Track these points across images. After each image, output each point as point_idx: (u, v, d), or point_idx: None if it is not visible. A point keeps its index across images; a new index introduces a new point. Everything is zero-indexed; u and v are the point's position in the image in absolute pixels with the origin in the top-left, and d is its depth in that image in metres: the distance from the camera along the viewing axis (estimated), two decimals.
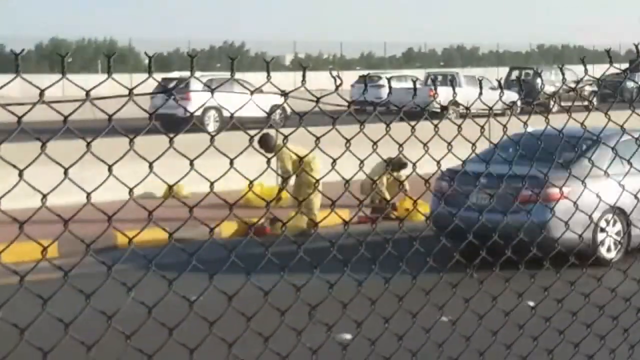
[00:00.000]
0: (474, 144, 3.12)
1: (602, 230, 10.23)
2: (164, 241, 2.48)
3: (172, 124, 16.03)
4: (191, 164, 2.47)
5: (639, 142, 3.66)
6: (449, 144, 2.98)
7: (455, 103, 25.69)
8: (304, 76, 2.65)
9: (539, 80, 26.04)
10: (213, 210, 2.86)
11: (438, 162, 3.04)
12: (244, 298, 2.55)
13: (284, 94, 2.65)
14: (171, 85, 27.29)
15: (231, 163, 2.57)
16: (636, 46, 3.49)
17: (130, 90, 2.29)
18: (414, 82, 3.55)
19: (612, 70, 3.88)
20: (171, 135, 2.47)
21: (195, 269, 2.48)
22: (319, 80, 14.68)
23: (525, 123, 3.44)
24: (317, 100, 2.77)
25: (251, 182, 2.77)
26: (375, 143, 2.88)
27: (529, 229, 3.30)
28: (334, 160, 2.81)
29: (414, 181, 3.02)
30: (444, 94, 29.21)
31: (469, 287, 3.17)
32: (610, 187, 4.10)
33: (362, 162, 2.84)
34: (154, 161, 2.47)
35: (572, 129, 3.48)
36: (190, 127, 2.74)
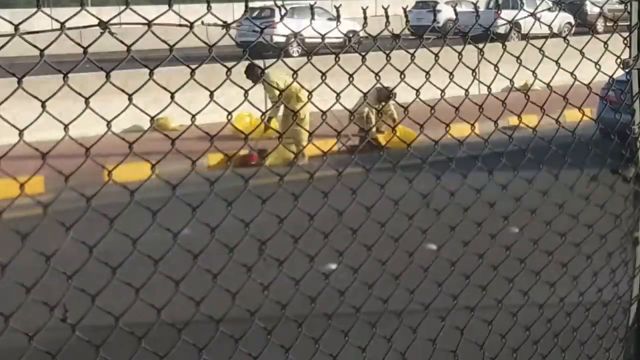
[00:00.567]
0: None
1: None
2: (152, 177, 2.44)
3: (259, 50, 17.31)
4: (172, 97, 2.41)
5: None
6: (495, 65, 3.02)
7: (517, 24, 25.82)
8: None
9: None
10: (200, 142, 2.81)
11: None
12: (226, 230, 2.53)
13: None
14: (255, 14, 29.96)
15: (211, 95, 2.52)
16: None
17: (149, 22, 2.24)
18: (475, 5, 3.54)
19: None
20: (151, 68, 2.39)
21: (179, 202, 2.45)
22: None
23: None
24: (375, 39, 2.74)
25: (229, 113, 2.69)
26: (377, 74, 2.86)
27: None
28: (338, 94, 2.80)
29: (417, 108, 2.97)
30: (508, 17, 29.25)
31: (453, 214, 3.16)
32: None
33: (365, 94, 2.79)
34: (133, 93, 2.38)
35: None
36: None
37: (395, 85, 2.95)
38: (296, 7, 28.84)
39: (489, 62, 3.11)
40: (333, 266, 2.90)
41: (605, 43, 3.46)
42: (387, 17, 2.84)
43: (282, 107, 12.13)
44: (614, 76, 3.41)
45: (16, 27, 2.09)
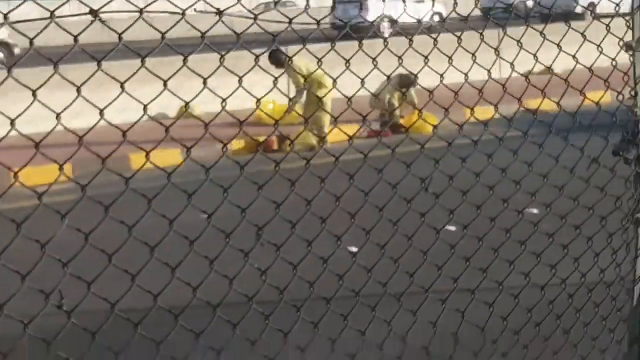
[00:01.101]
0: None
1: None
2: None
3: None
4: (205, 82, 2.43)
5: None
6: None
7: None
8: None
9: None
10: (225, 129, 2.82)
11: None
12: (255, 212, 2.56)
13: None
14: None
15: (240, 81, 2.54)
16: None
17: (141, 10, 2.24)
18: None
19: None
20: (185, 55, 2.44)
21: (211, 185, 2.49)
22: None
23: None
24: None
25: (259, 100, 2.75)
26: (400, 57, 2.87)
27: None
28: (362, 79, 2.78)
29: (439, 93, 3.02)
30: None
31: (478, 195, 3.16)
32: None
33: (388, 77, 2.78)
34: (169, 79, 2.41)
35: None
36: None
37: (420, 70, 2.98)
38: None
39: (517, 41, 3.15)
40: (354, 249, 2.91)
41: (608, 26, 3.44)
42: None
43: (304, 94, 12.23)
44: None
45: (52, 13, 2.12)
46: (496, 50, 3.16)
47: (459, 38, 2.96)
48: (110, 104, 2.27)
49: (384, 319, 3.01)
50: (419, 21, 3.38)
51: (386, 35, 26.51)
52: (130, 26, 2.29)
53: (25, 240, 2.10)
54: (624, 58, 3.44)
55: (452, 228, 3.18)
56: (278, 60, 10.93)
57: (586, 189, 3.46)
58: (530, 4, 30.80)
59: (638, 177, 3.38)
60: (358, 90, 2.94)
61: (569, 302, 3.53)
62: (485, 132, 3.17)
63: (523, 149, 3.27)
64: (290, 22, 2.58)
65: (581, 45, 3.29)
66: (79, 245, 2.23)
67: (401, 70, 3.02)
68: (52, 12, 2.14)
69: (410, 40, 2.92)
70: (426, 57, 2.92)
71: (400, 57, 2.87)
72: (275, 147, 12.09)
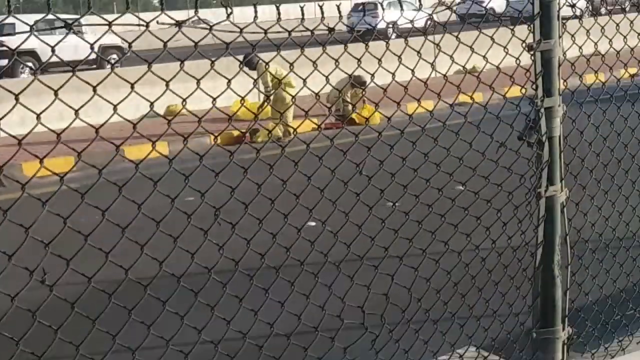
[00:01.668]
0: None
1: None
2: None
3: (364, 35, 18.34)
4: (198, 83, 2.43)
5: None
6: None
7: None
8: None
9: None
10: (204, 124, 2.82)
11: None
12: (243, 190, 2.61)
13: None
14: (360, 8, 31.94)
15: (228, 83, 2.56)
16: None
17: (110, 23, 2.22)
18: None
19: None
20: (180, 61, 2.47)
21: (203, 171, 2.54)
22: None
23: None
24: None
25: (242, 98, 2.82)
26: (359, 60, 2.88)
27: None
28: (326, 77, 2.81)
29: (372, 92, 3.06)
30: None
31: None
32: None
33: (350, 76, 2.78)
34: (170, 80, 2.46)
35: None
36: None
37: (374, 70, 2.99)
38: (392, 2, 32.99)
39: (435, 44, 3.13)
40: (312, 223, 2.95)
41: (512, 30, 3.48)
42: None
43: (274, 95, 12.55)
44: None
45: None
46: (437, 44, 3.18)
47: (405, 39, 2.97)
48: (120, 102, 2.26)
49: (325, 283, 3.04)
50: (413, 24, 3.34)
51: (393, 37, 27.63)
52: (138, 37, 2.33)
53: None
54: (527, 57, 3.47)
55: (389, 204, 3.21)
56: (250, 63, 11.17)
57: (495, 169, 3.51)
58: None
59: (538, 158, 3.42)
60: (323, 87, 2.91)
61: (481, 264, 3.58)
62: (410, 123, 3.18)
63: (444, 137, 3.30)
64: (266, 33, 2.58)
65: (489, 47, 3.33)
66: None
67: (359, 71, 3.00)
68: (148, 23, 2.28)
69: (366, 45, 2.90)
70: (379, 60, 2.92)
71: (359, 60, 2.86)
72: (247, 139, 12.22)
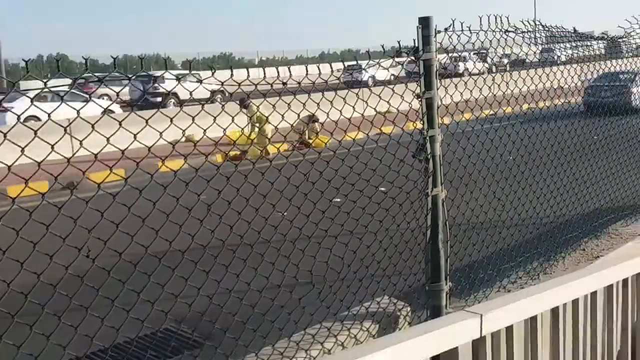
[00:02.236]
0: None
1: None
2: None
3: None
4: (214, 119, 2.34)
5: None
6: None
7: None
8: None
9: None
10: (208, 147, 2.76)
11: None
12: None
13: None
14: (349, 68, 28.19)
15: (233, 119, 2.55)
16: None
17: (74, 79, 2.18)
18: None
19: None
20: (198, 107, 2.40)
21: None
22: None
23: None
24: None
25: (242, 129, 2.79)
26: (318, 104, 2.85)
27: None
28: (282, 114, 2.77)
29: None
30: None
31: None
32: None
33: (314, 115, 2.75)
34: (195, 116, 2.41)
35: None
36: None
37: (315, 112, 2.96)
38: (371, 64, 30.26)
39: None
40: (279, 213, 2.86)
41: (406, 85, 3.52)
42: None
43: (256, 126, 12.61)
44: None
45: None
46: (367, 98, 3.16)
47: (350, 90, 2.96)
48: (139, 132, 2.20)
49: (285, 255, 3.02)
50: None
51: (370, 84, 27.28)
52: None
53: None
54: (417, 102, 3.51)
55: (338, 199, 3.13)
56: (243, 104, 11.48)
57: (397, 176, 3.53)
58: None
59: (426, 169, 3.45)
60: (279, 122, 2.89)
61: (390, 240, 3.57)
62: (340, 147, 3.17)
63: (364, 156, 3.29)
64: (256, 86, 2.52)
65: (391, 96, 3.35)
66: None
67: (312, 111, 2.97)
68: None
69: (322, 93, 2.85)
70: (331, 102, 2.87)
71: (318, 103, 2.84)
72: (243, 158, 12.23)
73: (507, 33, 4.21)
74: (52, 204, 1.94)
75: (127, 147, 2.27)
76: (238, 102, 11.99)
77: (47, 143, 1.87)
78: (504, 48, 4.34)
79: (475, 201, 4.34)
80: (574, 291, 2.62)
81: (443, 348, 2.01)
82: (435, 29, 3.40)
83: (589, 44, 6.45)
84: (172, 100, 23.29)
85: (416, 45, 3.38)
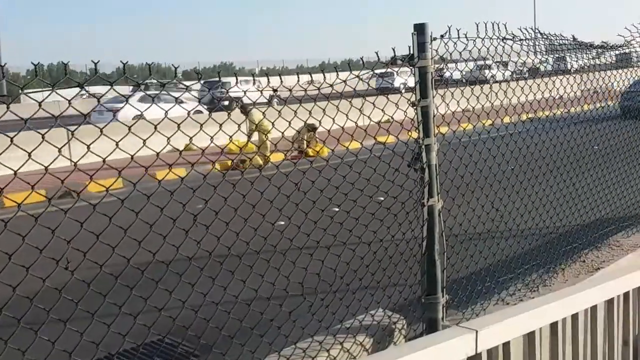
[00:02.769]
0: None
1: None
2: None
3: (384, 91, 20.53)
4: (221, 128, 2.37)
5: None
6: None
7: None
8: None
9: None
10: (211, 156, 2.72)
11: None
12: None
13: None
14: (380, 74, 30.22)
15: (239, 127, 2.54)
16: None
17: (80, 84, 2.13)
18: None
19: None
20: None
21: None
22: None
23: None
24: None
25: (249, 136, 2.88)
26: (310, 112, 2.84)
27: None
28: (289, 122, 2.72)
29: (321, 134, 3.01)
30: None
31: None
32: None
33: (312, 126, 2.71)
34: (201, 126, 2.39)
35: None
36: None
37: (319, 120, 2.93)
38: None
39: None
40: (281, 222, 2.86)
41: (402, 94, 3.49)
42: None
43: (256, 133, 12.62)
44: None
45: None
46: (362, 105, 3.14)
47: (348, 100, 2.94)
48: (145, 140, 2.21)
49: (275, 267, 2.96)
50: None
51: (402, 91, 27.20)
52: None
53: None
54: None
55: (336, 209, 3.09)
56: (244, 110, 11.98)
57: (392, 186, 3.49)
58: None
59: (422, 179, 3.41)
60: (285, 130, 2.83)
61: (384, 252, 3.52)
62: (333, 156, 3.14)
63: (358, 165, 3.25)
64: (261, 92, 2.56)
65: (385, 104, 3.32)
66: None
67: (311, 120, 2.96)
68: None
69: (315, 101, 2.85)
70: (323, 110, 2.86)
71: (309, 112, 2.83)
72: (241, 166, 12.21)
73: (504, 40, 4.18)
74: (62, 207, 1.94)
75: (134, 153, 2.23)
76: (240, 107, 12.15)
77: (54, 146, 1.86)
78: (519, 55, 4.37)
79: (472, 211, 4.28)
80: (574, 305, 2.56)
81: None
82: (431, 36, 3.36)
83: (600, 52, 6.53)
84: (235, 104, 25.06)
85: (411, 52, 3.34)
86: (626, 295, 2.87)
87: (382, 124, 3.29)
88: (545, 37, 5.10)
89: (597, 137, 6.04)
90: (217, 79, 27.88)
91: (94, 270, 2.12)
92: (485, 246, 4.49)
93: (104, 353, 2.18)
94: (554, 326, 2.45)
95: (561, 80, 5.24)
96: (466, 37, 3.64)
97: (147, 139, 2.23)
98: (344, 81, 2.78)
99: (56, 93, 1.78)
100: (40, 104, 1.83)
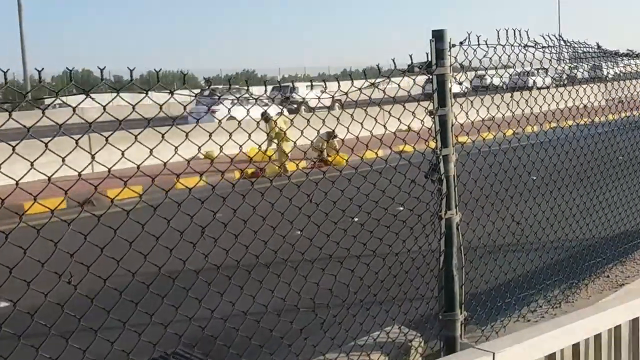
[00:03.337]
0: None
1: None
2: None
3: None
4: (230, 136, 2.33)
5: None
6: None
7: None
8: None
9: None
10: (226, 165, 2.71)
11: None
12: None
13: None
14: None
15: (249, 136, 2.54)
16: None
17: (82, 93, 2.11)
18: None
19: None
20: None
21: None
22: None
23: None
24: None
25: (259, 146, 2.81)
26: (323, 121, 2.79)
27: None
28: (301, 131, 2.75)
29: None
30: None
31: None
32: None
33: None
34: (212, 132, 2.38)
35: None
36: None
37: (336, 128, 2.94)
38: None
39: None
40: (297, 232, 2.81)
41: (419, 103, 3.41)
42: None
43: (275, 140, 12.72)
44: None
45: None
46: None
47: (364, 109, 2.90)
48: (155, 147, 2.20)
49: (285, 281, 2.91)
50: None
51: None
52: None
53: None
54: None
55: (356, 219, 3.04)
56: (266, 118, 12.03)
57: (409, 197, 3.42)
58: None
59: (439, 191, 3.34)
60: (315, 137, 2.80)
61: (400, 266, 3.44)
62: (347, 166, 3.09)
63: (373, 176, 3.19)
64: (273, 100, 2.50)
65: (401, 113, 3.26)
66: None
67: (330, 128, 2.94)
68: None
69: (328, 110, 2.84)
70: (337, 118, 2.83)
71: (323, 120, 2.80)
72: (260, 175, 12.29)
73: (526, 48, 4.09)
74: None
75: (142, 162, 2.21)
76: (261, 115, 12.16)
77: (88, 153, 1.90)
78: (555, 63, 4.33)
79: (492, 224, 4.18)
80: (597, 325, 2.46)
81: None
82: (450, 43, 3.29)
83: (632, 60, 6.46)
84: (304, 107, 26.88)
85: (429, 59, 3.27)
86: None
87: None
88: (568, 44, 5.00)
89: (622, 147, 5.90)
90: (290, 84, 30.85)
91: (126, 277, 2.11)
92: (506, 261, 4.38)
93: None
94: (575, 347, 2.35)
95: (614, 87, 5.20)
96: (486, 44, 3.56)
97: (178, 145, 2.21)
98: (397, 84, 2.71)
99: (91, 99, 1.82)
100: (104, 107, 1.92)
